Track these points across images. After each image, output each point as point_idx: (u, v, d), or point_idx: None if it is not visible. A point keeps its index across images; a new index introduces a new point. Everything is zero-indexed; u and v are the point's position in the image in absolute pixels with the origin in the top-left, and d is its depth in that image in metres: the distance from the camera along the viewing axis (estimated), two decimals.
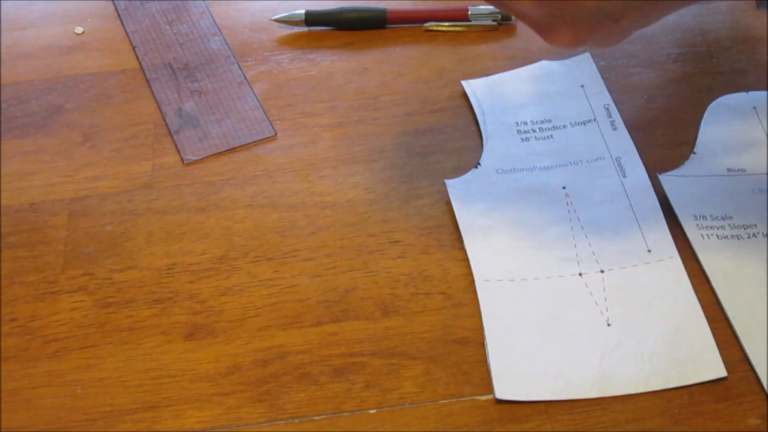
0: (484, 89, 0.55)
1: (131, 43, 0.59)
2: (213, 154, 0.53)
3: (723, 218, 0.47)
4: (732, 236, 0.46)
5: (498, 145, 0.52)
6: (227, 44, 0.59)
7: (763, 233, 0.46)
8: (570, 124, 0.53)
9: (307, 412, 0.42)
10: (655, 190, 0.49)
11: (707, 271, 0.45)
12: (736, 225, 0.47)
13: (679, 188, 0.49)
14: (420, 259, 0.47)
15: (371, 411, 0.42)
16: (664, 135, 0.52)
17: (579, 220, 0.48)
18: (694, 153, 0.51)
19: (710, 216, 0.47)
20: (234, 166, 0.52)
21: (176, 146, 0.53)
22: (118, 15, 0.61)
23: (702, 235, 0.47)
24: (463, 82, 0.55)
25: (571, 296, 0.45)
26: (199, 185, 0.51)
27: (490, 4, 0.43)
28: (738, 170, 0.49)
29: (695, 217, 0.47)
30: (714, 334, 0.43)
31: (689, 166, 0.50)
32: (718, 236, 0.47)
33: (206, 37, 0.59)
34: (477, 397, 0.42)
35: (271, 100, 0.56)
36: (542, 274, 0.46)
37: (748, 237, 0.46)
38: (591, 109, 0.53)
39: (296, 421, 0.42)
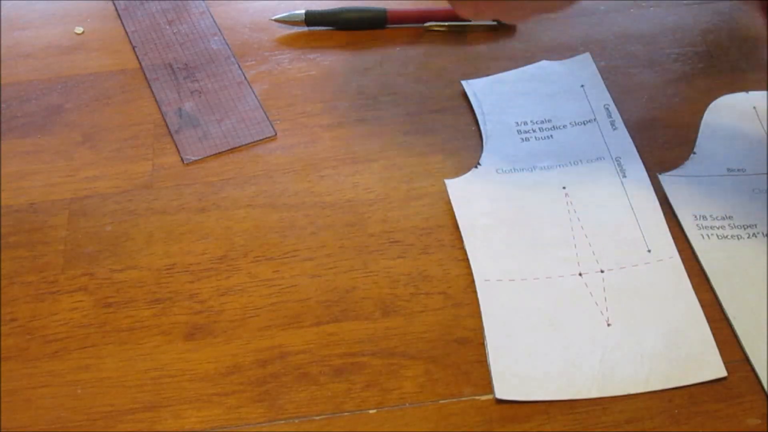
0: (484, 89, 0.55)
1: (131, 43, 0.59)
2: (213, 154, 0.53)
3: (723, 218, 0.47)
4: (732, 236, 0.46)
5: (498, 145, 0.52)
6: (227, 44, 0.59)
7: (763, 233, 0.46)
8: (570, 124, 0.53)
9: (307, 412, 0.42)
10: (655, 190, 0.49)
11: (707, 271, 0.45)
12: (736, 225, 0.47)
13: (679, 188, 0.49)
14: (420, 259, 0.47)
15: (371, 411, 0.42)
16: (664, 135, 0.52)
17: (579, 220, 0.48)
18: (694, 153, 0.51)
19: (710, 216, 0.47)
20: (234, 166, 0.52)
21: (176, 146, 0.53)
22: (118, 15, 0.61)
23: (702, 235, 0.47)
24: (463, 82, 0.55)
25: (571, 296, 0.45)
26: (199, 185, 0.51)
27: None
28: (738, 170, 0.49)
29: (695, 217, 0.47)
30: (714, 334, 0.43)
31: (689, 166, 0.50)
32: (718, 236, 0.47)
33: (206, 37, 0.59)
34: (477, 397, 0.42)
35: (271, 100, 0.56)
36: (542, 274, 0.46)
37: (748, 237, 0.46)
38: (591, 109, 0.53)
39: (296, 421, 0.42)
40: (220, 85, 0.56)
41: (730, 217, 0.47)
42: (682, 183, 0.49)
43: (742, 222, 0.47)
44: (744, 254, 0.46)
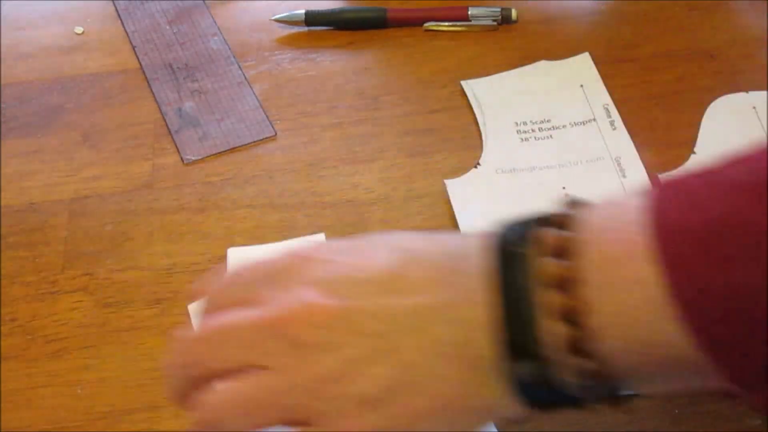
0: (484, 89, 0.55)
1: (131, 43, 0.59)
2: (213, 154, 0.53)
3: None
4: None
5: (498, 145, 0.52)
6: (227, 44, 0.59)
7: None
8: (570, 124, 0.53)
9: None
10: None
11: None
12: None
13: None
14: None
15: None
16: (664, 135, 0.52)
17: None
18: (694, 153, 0.51)
19: None
20: (234, 166, 0.52)
21: (176, 146, 0.53)
22: (118, 15, 0.61)
23: None
24: (463, 82, 0.55)
25: None
26: (199, 185, 0.51)
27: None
28: None
29: None
30: None
31: (689, 166, 0.50)
32: None
33: (206, 37, 0.59)
34: None
35: (271, 100, 0.55)
36: None
37: None
38: (591, 109, 0.53)
39: None
40: (220, 85, 0.56)
41: None
42: None
43: None
44: None
